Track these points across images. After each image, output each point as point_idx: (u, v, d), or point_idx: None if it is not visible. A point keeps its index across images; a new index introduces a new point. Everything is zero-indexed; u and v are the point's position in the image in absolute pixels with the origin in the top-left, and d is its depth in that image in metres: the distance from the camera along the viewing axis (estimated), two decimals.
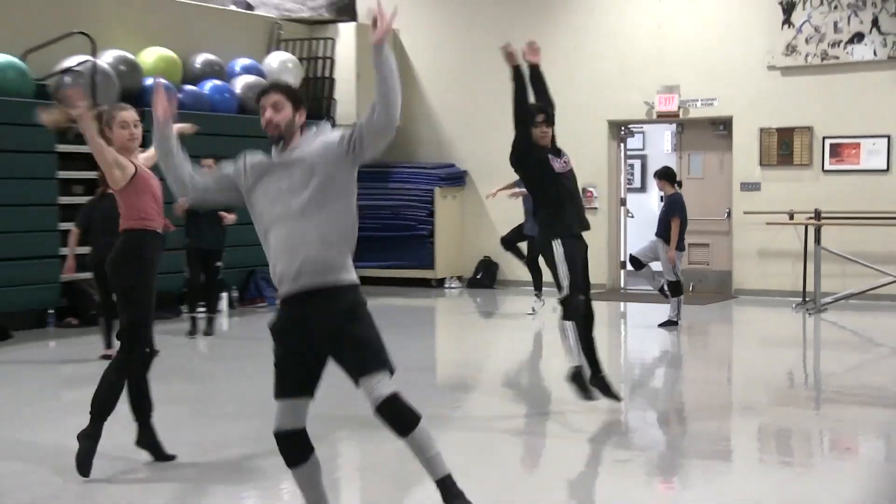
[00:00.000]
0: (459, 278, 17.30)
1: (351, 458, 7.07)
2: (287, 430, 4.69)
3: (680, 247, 12.04)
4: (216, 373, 10.19)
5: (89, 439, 6.03)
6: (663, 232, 12.04)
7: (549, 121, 7.78)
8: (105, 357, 9.86)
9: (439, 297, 16.33)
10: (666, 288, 12.08)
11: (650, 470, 6.57)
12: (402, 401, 4.53)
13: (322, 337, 4.63)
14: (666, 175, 12.28)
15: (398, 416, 4.53)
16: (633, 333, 13.34)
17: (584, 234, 7.77)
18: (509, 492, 6.02)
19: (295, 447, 4.74)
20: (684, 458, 6.79)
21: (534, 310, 13.30)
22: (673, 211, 12.05)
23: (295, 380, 4.70)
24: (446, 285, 17.10)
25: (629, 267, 13.57)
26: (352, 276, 4.78)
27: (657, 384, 9.87)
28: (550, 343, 11.88)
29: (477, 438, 7.21)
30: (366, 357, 4.59)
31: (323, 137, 4.75)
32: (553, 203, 7.66)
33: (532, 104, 7.81)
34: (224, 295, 13.79)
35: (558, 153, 7.80)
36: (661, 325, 12.11)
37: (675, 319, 12.06)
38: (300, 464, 4.77)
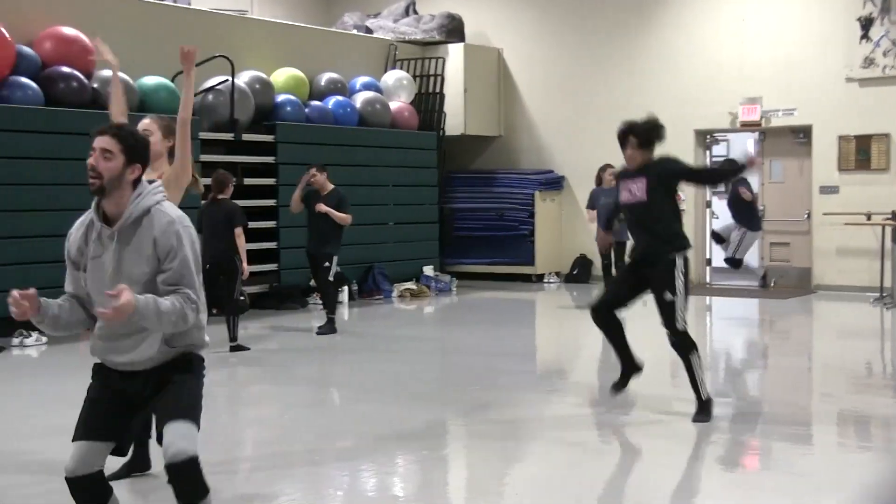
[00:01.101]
0: (557, 274, 17.22)
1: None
2: (83, 475, 3.78)
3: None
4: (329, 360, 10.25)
5: None
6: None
7: (640, 143, 6.87)
8: (234, 349, 9.95)
9: (538, 291, 16.27)
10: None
11: (733, 453, 6.41)
12: (200, 468, 3.72)
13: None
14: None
15: (193, 483, 3.72)
16: (718, 326, 13.08)
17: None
18: (598, 476, 5.93)
19: (93, 491, 3.83)
20: (766, 440, 6.61)
21: None
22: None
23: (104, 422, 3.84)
24: (545, 280, 17.03)
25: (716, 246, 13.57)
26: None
27: (741, 373, 9.63)
28: (639, 335, 11.73)
29: (572, 420, 7.11)
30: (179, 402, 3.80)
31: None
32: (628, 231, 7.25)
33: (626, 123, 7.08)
34: (344, 288, 13.87)
35: (637, 175, 6.85)
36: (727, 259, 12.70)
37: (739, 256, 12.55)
38: None
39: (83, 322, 3.88)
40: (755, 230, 12.01)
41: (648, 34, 16.65)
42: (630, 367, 7.11)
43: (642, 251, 6.90)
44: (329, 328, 11.09)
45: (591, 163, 14.44)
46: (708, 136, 16.80)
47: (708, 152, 16.93)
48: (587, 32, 17.13)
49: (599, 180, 13.05)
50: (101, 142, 3.76)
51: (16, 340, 10.28)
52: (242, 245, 9.87)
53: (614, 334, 7.05)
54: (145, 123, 5.63)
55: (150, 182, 3.90)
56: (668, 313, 6.71)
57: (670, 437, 6.55)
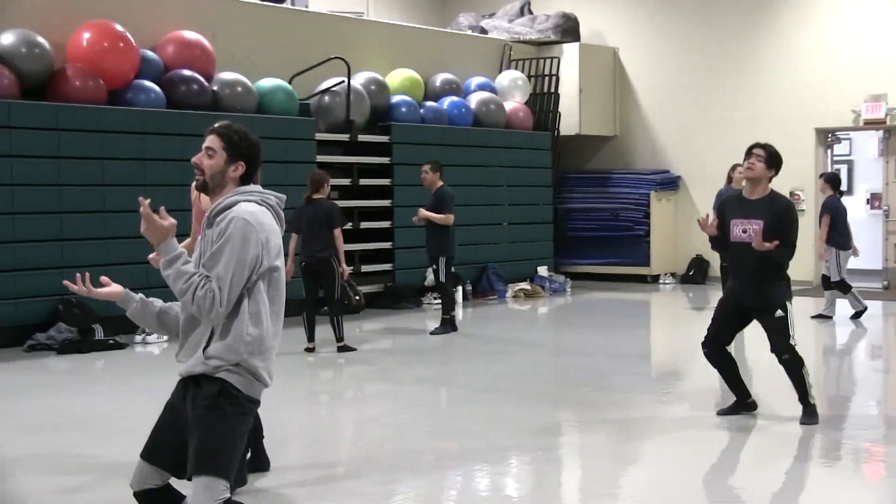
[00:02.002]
0: (673, 275, 16.91)
1: None
2: (138, 491, 3.86)
3: (845, 246, 11.54)
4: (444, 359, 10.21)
5: None
6: (830, 236, 11.57)
7: (768, 158, 6.71)
8: (308, 350, 9.92)
9: (654, 292, 15.99)
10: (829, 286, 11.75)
11: (854, 457, 6.14)
12: None
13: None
14: (830, 179, 11.94)
15: None
16: (841, 325, 12.61)
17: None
18: (712, 478, 5.75)
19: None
20: (875, 443, 6.32)
21: None
22: (824, 211, 11.65)
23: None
24: (661, 281, 16.76)
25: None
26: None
27: (856, 373, 9.25)
28: (754, 336, 11.41)
29: (686, 423, 6.92)
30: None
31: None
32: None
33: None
34: (459, 288, 13.83)
35: (754, 214, 6.57)
36: (814, 317, 11.87)
37: (864, 307, 11.76)
38: None
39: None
40: (846, 250, 11.60)
41: (768, 31, 16.22)
42: (743, 400, 6.94)
43: (750, 297, 6.57)
44: (443, 328, 11.03)
45: (707, 162, 14.15)
46: (829, 135, 16.32)
47: (829, 151, 16.42)
48: (705, 30, 16.79)
49: (730, 179, 12.72)
50: (207, 140, 3.81)
51: (138, 338, 10.54)
52: (341, 245, 9.79)
53: (728, 371, 6.89)
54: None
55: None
56: (781, 329, 6.52)
57: (779, 439, 6.34)
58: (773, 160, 6.73)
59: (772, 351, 6.64)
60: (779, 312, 6.50)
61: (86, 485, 5.49)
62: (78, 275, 4.01)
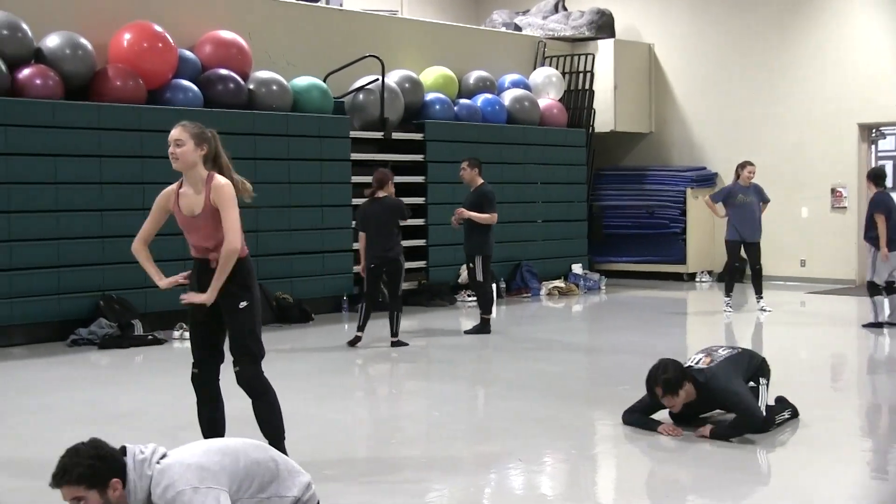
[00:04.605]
0: (710, 272, 16.85)
1: None
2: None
3: (892, 247, 10.92)
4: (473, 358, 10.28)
5: None
6: (870, 235, 11.08)
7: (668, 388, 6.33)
8: (356, 339, 10.09)
9: (690, 290, 15.96)
10: (868, 289, 11.11)
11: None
12: None
13: None
14: (873, 175, 11.39)
15: None
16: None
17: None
18: (751, 478, 5.77)
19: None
20: None
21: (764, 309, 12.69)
22: (876, 207, 11.00)
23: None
24: (697, 279, 16.70)
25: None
26: None
27: None
28: (801, 336, 11.37)
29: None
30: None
31: None
32: None
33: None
34: (493, 286, 13.85)
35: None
36: (865, 326, 11.18)
37: (880, 321, 11.04)
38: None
39: None
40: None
41: (808, 24, 16.10)
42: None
43: None
44: (479, 328, 11.04)
45: (745, 158, 14.04)
46: (874, 131, 16.17)
47: (873, 147, 16.28)
48: (742, 23, 16.70)
49: (737, 176, 12.65)
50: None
51: (176, 333, 10.72)
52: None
53: None
54: (174, 134, 5.32)
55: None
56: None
57: (828, 438, 6.34)
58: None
59: None
60: None
61: None
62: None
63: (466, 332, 11.11)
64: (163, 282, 5.43)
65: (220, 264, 5.26)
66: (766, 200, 12.63)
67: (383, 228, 9.93)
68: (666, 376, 6.31)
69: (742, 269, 12.93)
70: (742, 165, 12.59)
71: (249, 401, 5.43)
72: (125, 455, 3.88)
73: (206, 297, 5.26)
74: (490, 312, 11.14)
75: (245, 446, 4.10)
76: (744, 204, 12.45)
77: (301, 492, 4.11)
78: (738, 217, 12.48)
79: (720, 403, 6.44)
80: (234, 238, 5.22)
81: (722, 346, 6.82)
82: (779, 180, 15.83)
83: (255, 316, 5.42)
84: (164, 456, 3.93)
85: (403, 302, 10.49)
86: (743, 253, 12.68)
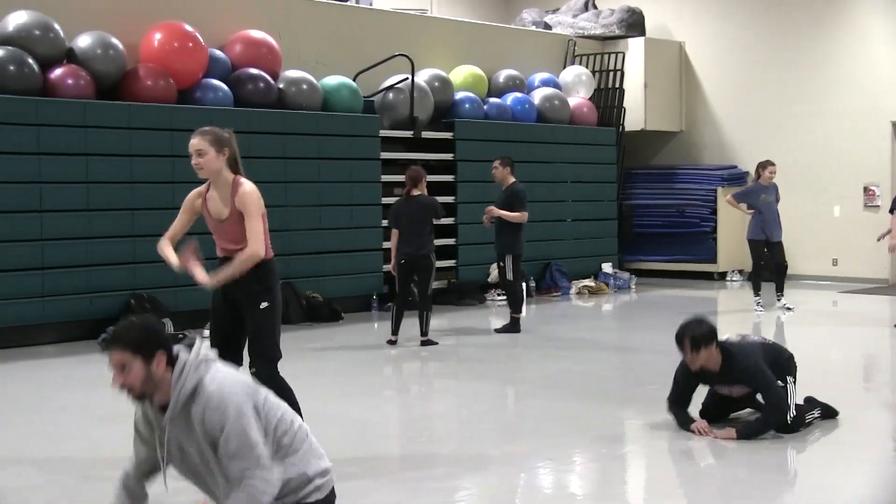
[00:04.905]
0: (740, 272, 16.74)
1: None
2: None
3: None
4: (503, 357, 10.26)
5: None
6: None
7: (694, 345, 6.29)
8: (391, 342, 10.12)
9: (721, 290, 15.86)
10: None
11: None
12: None
13: None
14: None
15: None
16: None
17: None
18: (778, 479, 5.71)
19: None
20: None
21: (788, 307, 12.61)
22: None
23: None
24: (728, 278, 16.61)
25: None
26: None
27: None
28: (833, 336, 11.27)
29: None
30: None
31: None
32: None
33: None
34: (523, 285, 13.83)
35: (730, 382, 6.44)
36: None
37: None
38: None
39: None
40: None
41: (840, 22, 15.97)
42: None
43: None
44: (509, 327, 11.02)
45: (776, 157, 13.94)
46: None
47: None
48: (772, 21, 16.59)
49: (758, 176, 12.56)
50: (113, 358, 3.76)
51: (206, 332, 10.72)
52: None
53: None
54: (194, 143, 5.40)
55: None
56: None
57: (858, 438, 6.28)
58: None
59: None
60: None
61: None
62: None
63: (496, 331, 11.10)
64: (178, 262, 5.43)
65: (237, 260, 5.32)
66: (778, 199, 12.62)
67: (416, 226, 9.95)
68: (699, 330, 6.28)
69: (769, 266, 12.84)
70: (763, 165, 12.50)
71: None
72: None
73: (207, 279, 5.31)
74: (520, 311, 11.13)
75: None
76: (766, 203, 12.39)
77: (315, 473, 4.07)
78: (762, 216, 12.41)
79: (744, 379, 6.34)
80: (255, 244, 5.28)
81: (753, 335, 6.79)
82: (811, 179, 15.69)
83: (275, 318, 5.44)
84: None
85: (433, 301, 10.49)
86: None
